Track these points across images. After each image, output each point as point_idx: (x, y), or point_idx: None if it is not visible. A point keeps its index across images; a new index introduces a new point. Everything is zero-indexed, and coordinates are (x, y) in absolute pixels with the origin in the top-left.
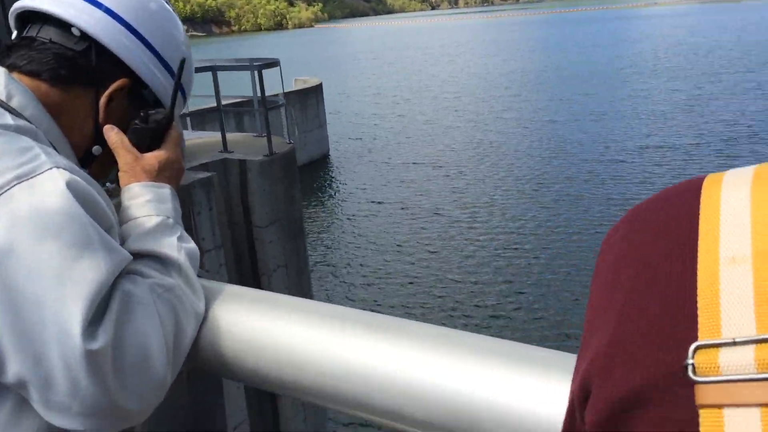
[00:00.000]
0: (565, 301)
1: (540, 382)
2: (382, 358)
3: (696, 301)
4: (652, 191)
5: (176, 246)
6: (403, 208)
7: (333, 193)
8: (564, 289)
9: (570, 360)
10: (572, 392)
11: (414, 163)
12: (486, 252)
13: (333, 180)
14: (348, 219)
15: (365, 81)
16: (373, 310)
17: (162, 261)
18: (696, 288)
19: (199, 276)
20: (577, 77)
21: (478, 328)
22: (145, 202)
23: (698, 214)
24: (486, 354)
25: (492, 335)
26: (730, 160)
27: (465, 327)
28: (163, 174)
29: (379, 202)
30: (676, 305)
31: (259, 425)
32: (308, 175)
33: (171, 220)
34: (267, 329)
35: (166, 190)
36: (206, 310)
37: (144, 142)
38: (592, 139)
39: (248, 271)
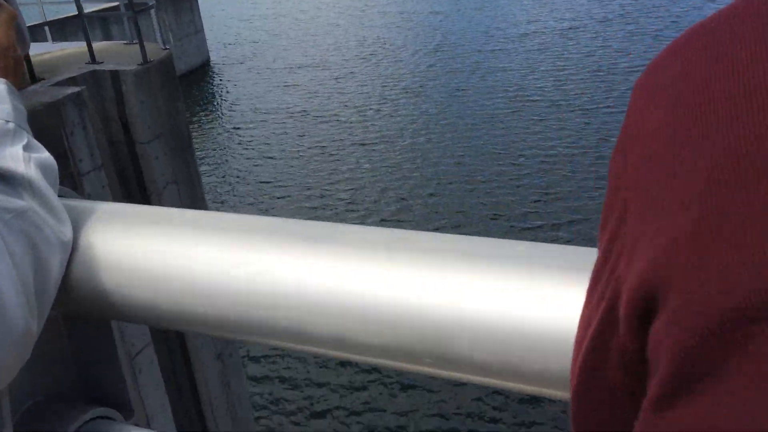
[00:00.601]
0: (455, 197)
1: (534, 285)
2: (317, 275)
3: None
4: (536, 79)
5: (22, 157)
6: (291, 114)
7: (218, 103)
8: (459, 181)
9: (572, 253)
10: (610, 299)
11: (300, 66)
12: (378, 153)
13: (216, 89)
14: (236, 129)
15: None
16: None
17: (4, 178)
18: None
19: (60, 196)
20: None
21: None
22: None
23: None
24: (455, 256)
25: None
26: (607, 43)
27: None
28: None
29: (267, 110)
30: None
31: (164, 353)
32: (189, 84)
33: (11, 125)
34: (160, 253)
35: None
36: (75, 238)
37: None
38: (474, 28)
39: (135, 191)
